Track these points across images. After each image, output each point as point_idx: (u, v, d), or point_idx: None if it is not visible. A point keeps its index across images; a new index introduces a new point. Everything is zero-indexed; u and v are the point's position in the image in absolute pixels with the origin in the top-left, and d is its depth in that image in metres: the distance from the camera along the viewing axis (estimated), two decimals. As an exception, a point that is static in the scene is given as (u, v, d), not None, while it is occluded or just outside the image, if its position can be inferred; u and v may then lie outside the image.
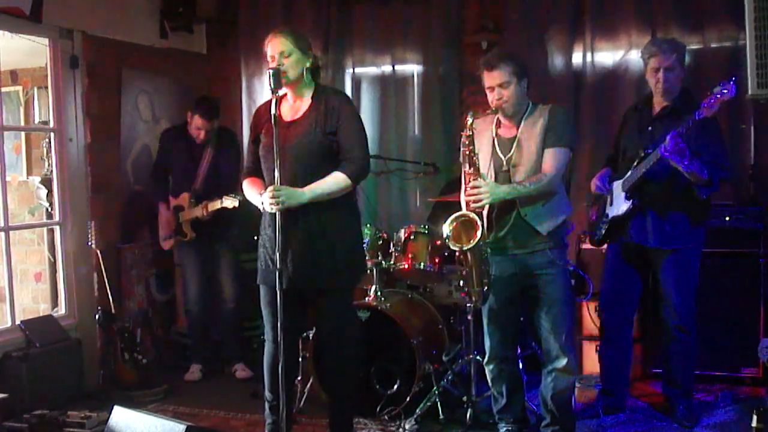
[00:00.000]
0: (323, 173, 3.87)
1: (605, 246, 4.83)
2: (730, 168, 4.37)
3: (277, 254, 3.72)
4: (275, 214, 3.78)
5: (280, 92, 3.85)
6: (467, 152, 3.94)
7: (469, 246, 3.87)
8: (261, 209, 3.91)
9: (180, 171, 5.77)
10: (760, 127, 5.43)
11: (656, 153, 4.20)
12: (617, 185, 4.57)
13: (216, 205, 5.41)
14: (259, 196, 3.88)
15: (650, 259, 4.58)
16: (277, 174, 3.74)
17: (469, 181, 3.92)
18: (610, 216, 4.61)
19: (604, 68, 5.84)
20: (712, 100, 3.89)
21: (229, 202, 5.28)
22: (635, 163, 4.44)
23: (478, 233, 3.84)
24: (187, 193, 5.67)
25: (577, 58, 5.88)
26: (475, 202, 3.88)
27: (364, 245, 4.56)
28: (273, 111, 3.74)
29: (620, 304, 4.76)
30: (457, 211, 3.98)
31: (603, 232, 4.69)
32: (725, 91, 3.80)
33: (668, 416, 4.67)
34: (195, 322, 5.93)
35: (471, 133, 3.95)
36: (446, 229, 3.95)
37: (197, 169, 5.68)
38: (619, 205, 4.55)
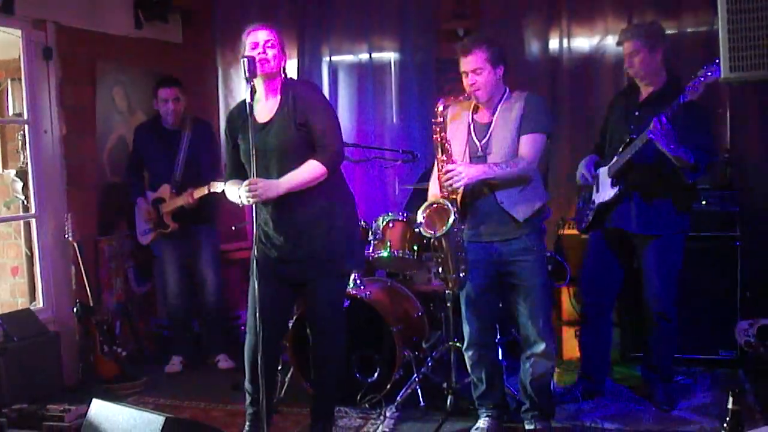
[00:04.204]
0: None
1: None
2: (717, 153, 4.38)
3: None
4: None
5: (253, 88, 3.86)
6: (439, 139, 3.95)
7: (441, 232, 3.87)
8: (240, 204, 3.90)
9: (157, 163, 5.74)
10: (736, 111, 5.47)
11: (643, 136, 4.20)
12: (603, 171, 4.57)
13: (203, 191, 5.40)
14: (237, 191, 3.89)
15: (633, 245, 4.59)
16: (253, 167, 3.75)
17: (442, 168, 3.93)
18: (597, 202, 4.61)
19: (581, 54, 5.86)
20: (696, 83, 3.91)
21: (217, 186, 5.25)
22: (621, 149, 4.44)
23: (450, 219, 3.85)
24: (167, 185, 5.64)
25: (553, 44, 5.90)
26: (450, 185, 3.88)
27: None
28: (248, 100, 3.74)
29: (601, 290, 4.76)
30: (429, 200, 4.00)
31: (590, 218, 4.68)
32: (709, 73, 3.84)
33: (647, 400, 4.69)
34: (176, 315, 5.90)
35: (442, 120, 3.95)
36: (419, 216, 3.96)
37: (175, 158, 5.65)
38: (606, 192, 4.55)
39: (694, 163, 4.18)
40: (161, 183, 5.68)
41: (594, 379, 4.81)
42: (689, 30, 5.57)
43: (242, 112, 3.92)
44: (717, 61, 3.65)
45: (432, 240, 3.98)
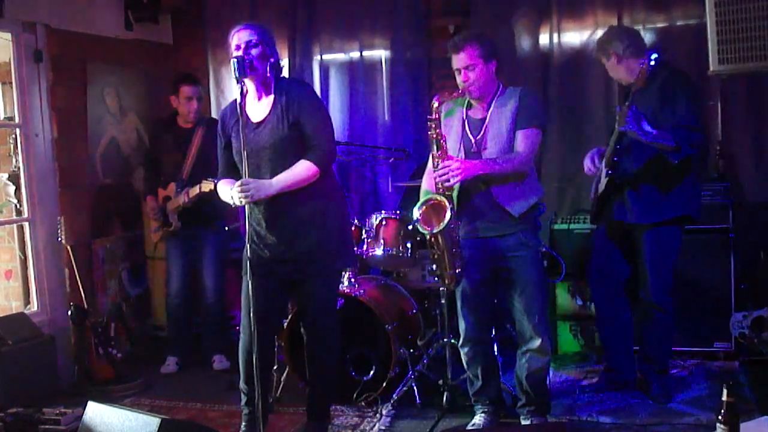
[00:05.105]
0: None
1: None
2: (700, 127, 4.34)
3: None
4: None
5: (244, 88, 3.87)
6: (434, 135, 3.95)
7: (438, 229, 3.87)
8: (232, 204, 3.90)
9: (169, 162, 5.75)
10: (727, 103, 5.48)
11: (616, 127, 4.27)
12: (603, 163, 4.60)
13: (195, 190, 5.40)
14: (229, 191, 3.89)
15: (632, 235, 4.60)
16: (245, 167, 3.76)
17: (437, 164, 3.92)
18: (599, 193, 4.65)
19: (572, 49, 5.85)
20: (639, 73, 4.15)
21: (206, 186, 5.25)
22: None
23: (447, 215, 3.85)
24: (174, 183, 5.65)
25: (544, 39, 5.87)
26: (446, 180, 3.88)
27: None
28: (239, 100, 3.74)
29: (607, 283, 4.77)
30: (425, 196, 4.00)
31: (595, 210, 4.74)
32: (644, 60, 4.09)
33: (643, 393, 4.69)
34: (175, 314, 5.89)
35: (437, 116, 3.95)
36: (416, 213, 3.96)
37: (185, 157, 5.66)
38: (602, 183, 4.59)
39: (675, 144, 4.20)
40: (171, 181, 5.69)
41: (619, 371, 4.81)
42: (679, 23, 5.57)
43: (235, 112, 3.92)
44: (655, 47, 4.18)
45: (428, 237, 3.98)
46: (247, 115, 3.95)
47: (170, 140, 5.75)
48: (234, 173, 4.04)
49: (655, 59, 4.08)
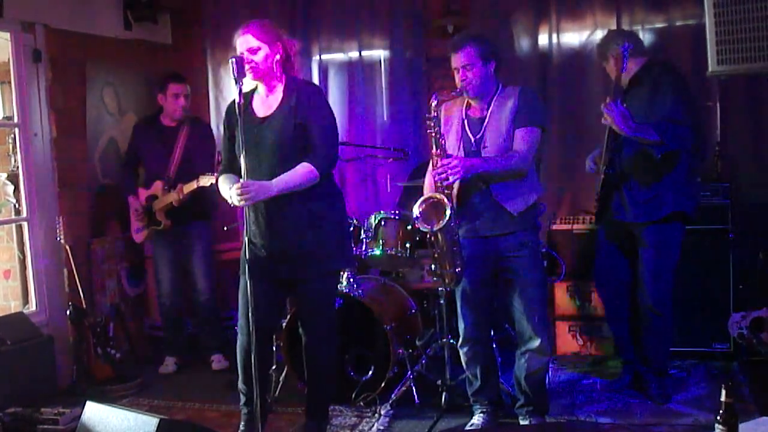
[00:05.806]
0: None
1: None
2: (688, 123, 4.30)
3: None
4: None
5: (250, 86, 3.93)
6: (433, 134, 3.95)
7: (439, 226, 3.87)
8: (230, 204, 3.90)
9: (153, 160, 5.74)
10: (726, 103, 5.48)
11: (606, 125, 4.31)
12: (601, 162, 4.61)
13: (192, 185, 5.39)
14: (229, 190, 3.88)
15: (633, 235, 4.60)
16: (243, 168, 3.76)
17: (437, 163, 3.93)
18: (598, 193, 4.65)
19: (571, 49, 5.85)
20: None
21: (206, 180, 5.25)
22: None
23: (447, 212, 3.85)
24: (160, 182, 5.64)
25: (543, 39, 5.88)
26: (445, 178, 3.87)
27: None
28: (238, 101, 3.75)
29: (611, 282, 4.78)
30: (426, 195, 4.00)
31: (597, 210, 4.74)
32: (620, 51, 4.26)
33: (642, 393, 4.69)
34: (168, 315, 5.89)
35: (436, 115, 3.95)
36: (416, 210, 3.95)
37: (170, 156, 5.65)
38: (599, 181, 4.59)
39: (659, 139, 4.20)
40: (155, 180, 5.68)
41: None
42: (677, 24, 5.57)
43: (240, 108, 3.91)
44: (627, 44, 4.26)
45: (428, 235, 3.98)
46: (252, 110, 3.98)
47: (153, 138, 5.75)
48: (236, 167, 4.02)
49: (626, 48, 4.22)
